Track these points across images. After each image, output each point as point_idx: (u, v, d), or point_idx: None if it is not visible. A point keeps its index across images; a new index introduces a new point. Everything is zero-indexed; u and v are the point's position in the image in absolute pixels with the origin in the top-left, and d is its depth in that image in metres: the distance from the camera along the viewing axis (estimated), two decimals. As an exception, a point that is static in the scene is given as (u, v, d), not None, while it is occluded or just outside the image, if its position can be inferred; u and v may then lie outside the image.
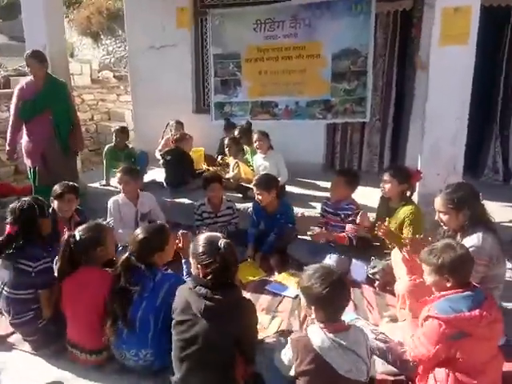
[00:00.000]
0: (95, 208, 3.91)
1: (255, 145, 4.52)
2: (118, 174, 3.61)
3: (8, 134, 4.21)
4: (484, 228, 2.38)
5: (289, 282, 3.12)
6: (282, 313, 2.76)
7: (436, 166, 3.62)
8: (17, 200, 2.61)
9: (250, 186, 4.47)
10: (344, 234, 3.27)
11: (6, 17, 13.62)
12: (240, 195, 4.47)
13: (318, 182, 4.81)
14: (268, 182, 3.52)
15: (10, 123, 4.18)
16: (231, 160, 4.90)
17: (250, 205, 4.05)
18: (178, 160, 4.77)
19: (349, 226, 3.31)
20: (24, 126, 4.16)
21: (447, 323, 1.80)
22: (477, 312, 1.80)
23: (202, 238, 1.97)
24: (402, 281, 2.60)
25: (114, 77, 9.14)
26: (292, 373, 1.80)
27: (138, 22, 6.04)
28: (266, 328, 2.55)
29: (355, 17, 4.87)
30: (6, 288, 2.43)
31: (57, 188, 3.18)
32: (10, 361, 2.40)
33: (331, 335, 1.71)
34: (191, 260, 2.00)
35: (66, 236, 2.38)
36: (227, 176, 4.70)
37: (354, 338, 1.73)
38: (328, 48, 5.09)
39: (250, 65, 5.49)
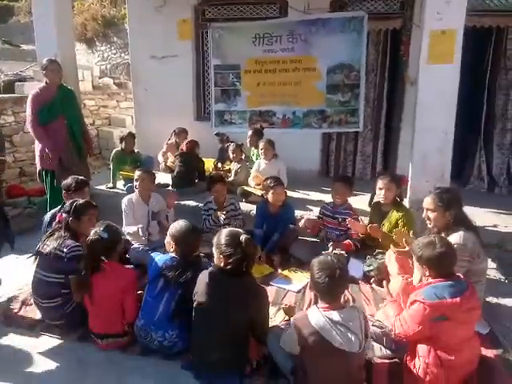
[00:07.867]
0: (103, 209, 4.09)
1: (260, 151, 4.82)
2: (137, 172, 3.81)
3: (40, 141, 4.24)
4: (465, 227, 2.67)
5: (292, 278, 3.37)
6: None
7: (425, 174, 3.85)
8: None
9: (251, 190, 4.75)
10: (348, 241, 3.57)
11: (-3, 21, 13.63)
12: (243, 199, 4.66)
13: (314, 188, 5.09)
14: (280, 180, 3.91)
15: (34, 130, 4.21)
16: (234, 165, 5.16)
17: (252, 207, 4.30)
18: (192, 162, 5.06)
19: (352, 232, 3.60)
20: None
21: (431, 307, 2.08)
22: (458, 299, 2.07)
23: (224, 232, 2.23)
24: (396, 280, 2.86)
25: (114, 83, 9.31)
26: (296, 349, 2.06)
27: (141, 33, 6.23)
28: (272, 318, 2.78)
29: (348, 34, 5.10)
30: (39, 270, 2.69)
31: (72, 182, 3.36)
32: (38, 345, 2.60)
33: (326, 313, 2.00)
34: (214, 251, 2.25)
35: (91, 237, 2.57)
36: (230, 179, 4.96)
37: (347, 315, 2.00)
38: (323, 62, 5.32)
39: (249, 76, 5.68)
